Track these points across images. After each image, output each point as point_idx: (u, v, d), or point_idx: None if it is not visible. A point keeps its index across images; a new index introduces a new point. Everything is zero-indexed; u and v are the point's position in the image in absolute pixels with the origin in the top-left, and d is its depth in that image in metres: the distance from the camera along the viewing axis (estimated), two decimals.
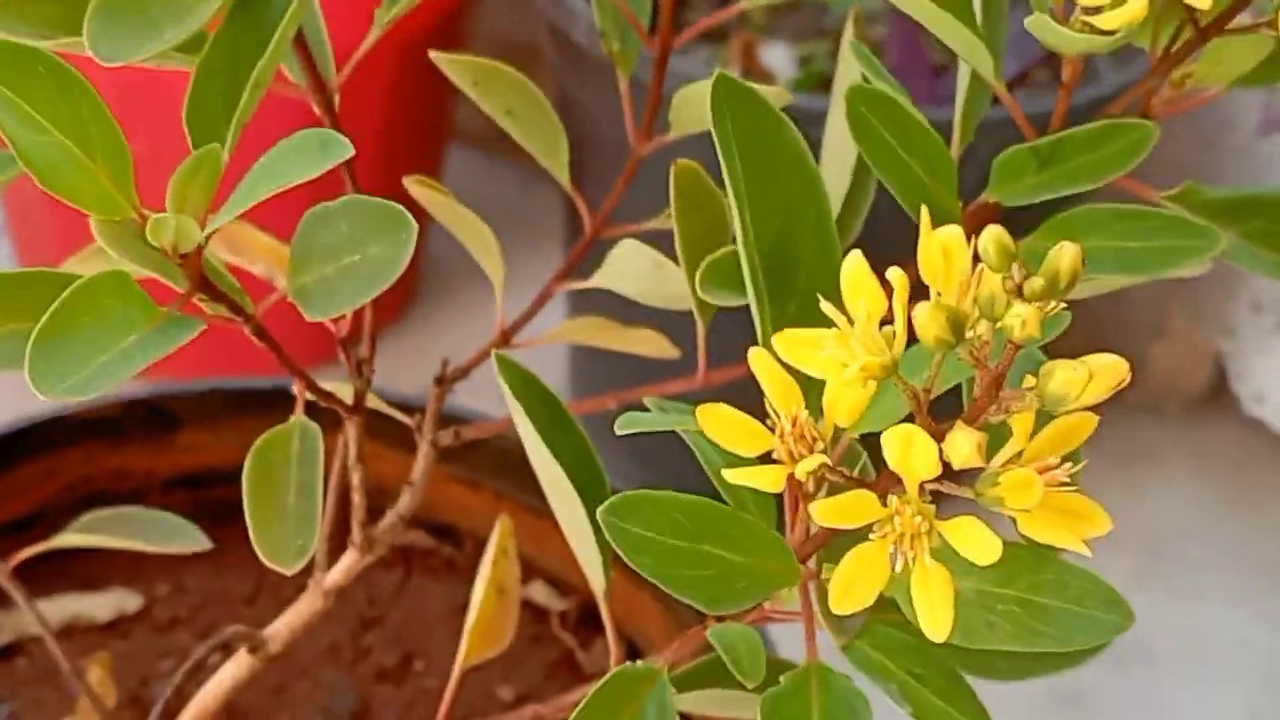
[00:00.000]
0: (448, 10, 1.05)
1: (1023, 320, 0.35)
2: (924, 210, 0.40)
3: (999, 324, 0.36)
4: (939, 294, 0.39)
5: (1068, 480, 0.39)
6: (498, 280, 0.55)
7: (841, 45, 0.50)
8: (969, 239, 0.47)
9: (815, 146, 0.89)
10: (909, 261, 0.47)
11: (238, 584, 0.78)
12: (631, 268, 0.53)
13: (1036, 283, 0.35)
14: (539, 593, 0.76)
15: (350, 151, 0.41)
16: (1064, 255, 0.36)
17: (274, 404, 0.57)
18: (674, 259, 0.53)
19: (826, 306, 0.38)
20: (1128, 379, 0.37)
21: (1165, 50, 0.45)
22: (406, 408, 0.57)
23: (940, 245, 0.39)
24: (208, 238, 0.43)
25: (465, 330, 1.24)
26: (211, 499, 0.76)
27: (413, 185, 0.54)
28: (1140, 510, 1.14)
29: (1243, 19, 0.44)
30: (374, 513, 0.57)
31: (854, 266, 0.38)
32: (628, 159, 0.56)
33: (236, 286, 0.47)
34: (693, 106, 0.53)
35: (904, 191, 0.46)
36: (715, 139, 0.44)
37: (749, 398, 0.42)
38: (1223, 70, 0.46)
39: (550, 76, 1.02)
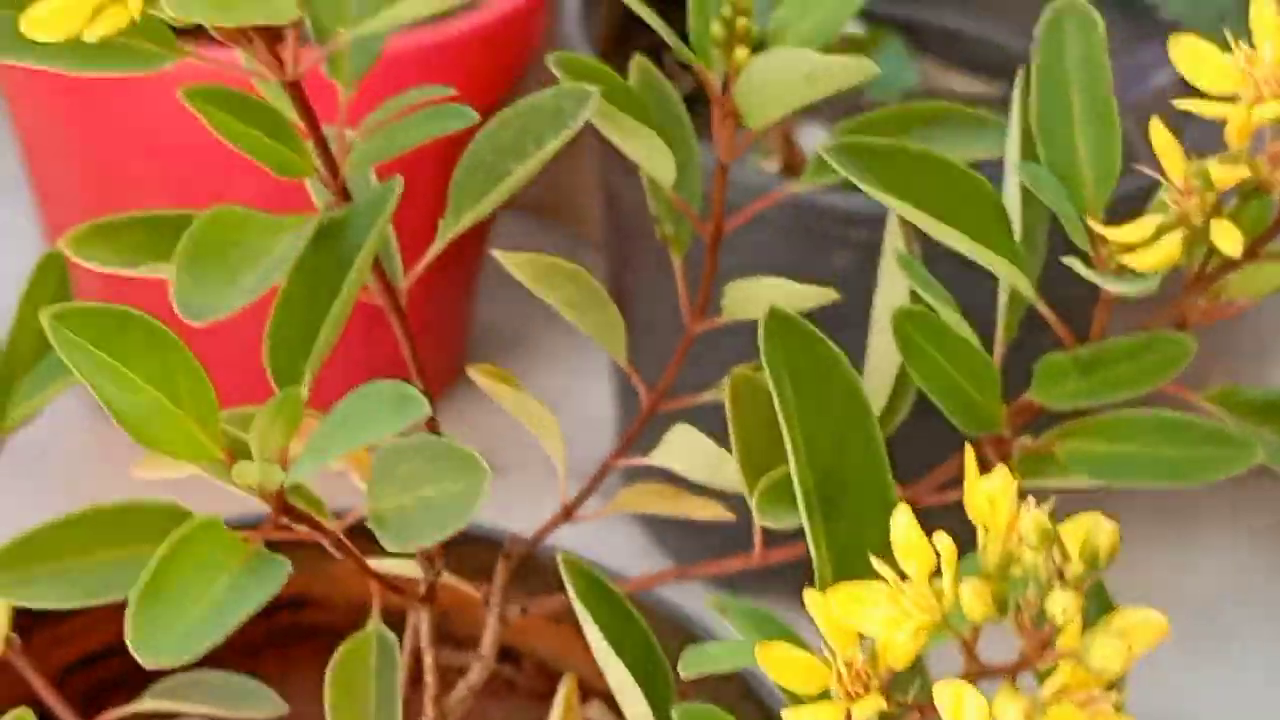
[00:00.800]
0: None
1: (1063, 609, 0.37)
2: (969, 453, 0.42)
3: (1043, 606, 0.38)
4: (985, 531, 0.42)
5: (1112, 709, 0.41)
6: (560, 460, 0.58)
7: (884, 248, 0.52)
8: (1014, 435, 0.49)
9: (852, 246, 0.92)
10: (947, 443, 0.49)
11: None
12: (687, 451, 0.55)
13: (1077, 569, 0.37)
14: (596, 711, 0.78)
15: (427, 413, 0.43)
16: (1102, 536, 0.38)
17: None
18: (723, 437, 0.56)
19: (880, 566, 0.40)
20: (1168, 635, 0.39)
21: (1200, 269, 0.47)
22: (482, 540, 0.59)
23: (987, 495, 0.41)
24: (288, 480, 0.46)
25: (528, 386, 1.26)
26: (279, 625, 0.79)
27: (478, 375, 0.57)
28: (1190, 576, 1.15)
29: (1276, 244, 0.46)
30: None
31: (905, 529, 0.40)
32: (678, 328, 0.59)
33: (317, 501, 0.49)
34: (743, 296, 0.55)
35: (951, 404, 0.48)
36: (767, 368, 0.46)
37: (803, 575, 0.44)
38: (1258, 284, 0.47)
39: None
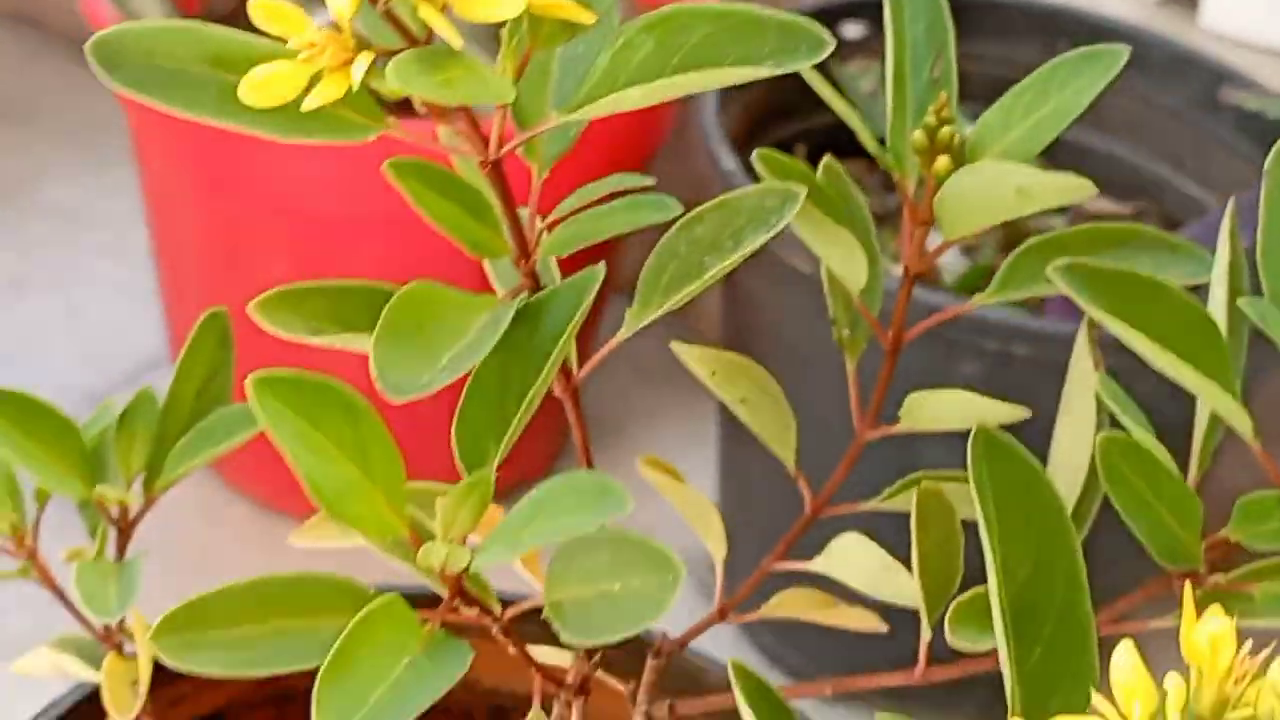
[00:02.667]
0: None
1: None
2: (1188, 592, 0.40)
3: None
4: (1199, 672, 0.40)
5: None
6: (719, 559, 0.57)
7: (1071, 366, 0.51)
8: (1209, 572, 0.47)
9: (983, 355, 0.91)
10: (1124, 562, 0.48)
11: None
12: (855, 560, 0.54)
13: None
14: None
15: (628, 507, 0.42)
16: None
17: None
18: (884, 543, 0.55)
19: (1100, 702, 0.39)
20: None
21: None
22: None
23: (1210, 638, 0.40)
24: (475, 565, 0.45)
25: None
26: None
27: (644, 467, 0.56)
28: None
29: None
30: None
31: (1129, 666, 0.39)
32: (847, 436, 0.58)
33: (488, 587, 0.48)
34: (924, 407, 0.54)
35: (1153, 537, 0.47)
36: (973, 487, 0.45)
37: (969, 696, 0.43)
38: None
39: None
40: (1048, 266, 0.45)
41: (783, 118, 1.09)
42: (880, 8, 0.55)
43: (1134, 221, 1.13)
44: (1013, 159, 0.52)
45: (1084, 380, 0.52)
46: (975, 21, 1.11)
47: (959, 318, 0.90)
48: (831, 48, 0.44)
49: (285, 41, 0.45)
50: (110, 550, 0.60)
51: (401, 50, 0.45)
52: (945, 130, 0.52)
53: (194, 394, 0.60)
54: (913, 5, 0.55)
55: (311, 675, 0.81)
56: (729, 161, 0.97)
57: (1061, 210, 1.12)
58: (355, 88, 0.45)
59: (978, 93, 0.78)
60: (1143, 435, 0.47)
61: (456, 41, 0.44)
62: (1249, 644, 0.41)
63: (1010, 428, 0.54)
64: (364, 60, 0.44)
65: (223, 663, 0.46)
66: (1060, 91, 0.53)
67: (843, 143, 0.89)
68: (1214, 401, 0.45)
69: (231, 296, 0.64)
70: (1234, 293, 0.49)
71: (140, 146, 1.12)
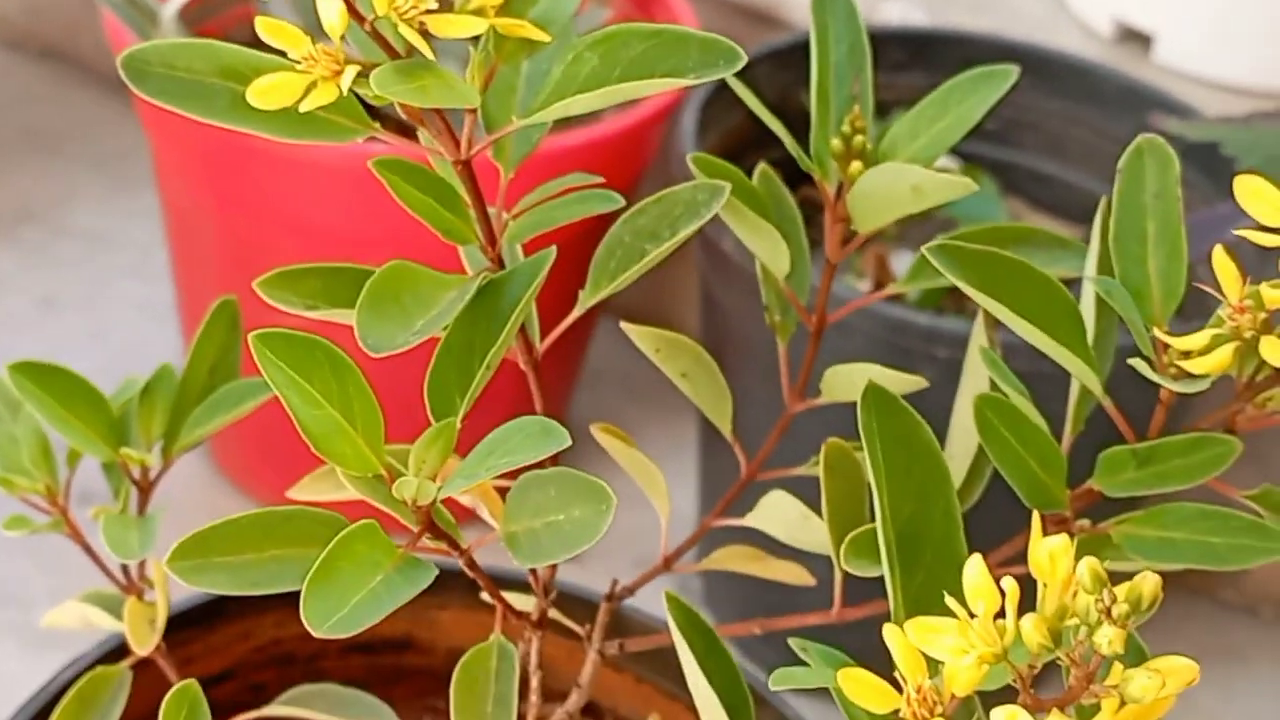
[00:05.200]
0: None
1: (1109, 640, 0.43)
2: (1035, 517, 0.48)
3: (1092, 639, 0.44)
4: (1044, 585, 0.48)
5: None
6: (664, 515, 0.64)
7: (970, 347, 0.59)
8: (1075, 518, 0.55)
9: (935, 362, 0.99)
10: (1014, 523, 0.55)
11: None
12: (781, 515, 0.62)
13: (1123, 608, 0.43)
14: None
15: (568, 443, 0.50)
16: (1146, 584, 0.44)
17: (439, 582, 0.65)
18: (815, 507, 0.62)
19: (951, 602, 0.46)
20: (1197, 679, 0.45)
21: (1249, 379, 0.54)
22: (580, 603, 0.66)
23: (1049, 552, 0.47)
24: (441, 493, 0.53)
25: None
26: (382, 664, 0.85)
27: (598, 431, 0.63)
28: (1228, 709, 1.20)
29: None
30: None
31: (976, 573, 0.47)
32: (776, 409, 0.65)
33: (454, 524, 0.56)
34: (841, 380, 0.62)
35: (1021, 482, 0.54)
36: (862, 433, 0.53)
37: (872, 630, 0.50)
38: None
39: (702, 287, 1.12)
40: (922, 248, 0.53)
41: (759, 146, 1.18)
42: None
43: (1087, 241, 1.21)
44: (918, 163, 0.60)
45: (980, 357, 0.59)
46: (940, 54, 1.19)
47: (912, 328, 0.99)
48: (744, 62, 0.52)
49: (286, 55, 0.53)
50: (132, 507, 0.68)
51: (384, 63, 0.53)
52: (858, 139, 0.60)
53: (207, 370, 0.68)
54: (836, 30, 0.63)
55: (310, 641, 0.89)
56: None
57: None
58: (344, 94, 0.53)
59: None
60: (1017, 397, 0.55)
61: (429, 54, 0.52)
62: None
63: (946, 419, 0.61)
64: (351, 71, 0.52)
65: (226, 583, 0.53)
66: (958, 106, 0.61)
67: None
68: (1065, 362, 0.53)
69: (243, 307, 0.72)
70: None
71: (161, 169, 1.20)
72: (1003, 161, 1.21)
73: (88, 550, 0.69)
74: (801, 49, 1.18)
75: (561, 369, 1.22)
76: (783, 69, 1.15)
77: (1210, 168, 1.13)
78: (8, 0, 1.62)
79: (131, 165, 1.51)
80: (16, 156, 1.53)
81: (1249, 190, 0.53)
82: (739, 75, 0.53)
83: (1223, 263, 0.53)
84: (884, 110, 1.10)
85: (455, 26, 0.52)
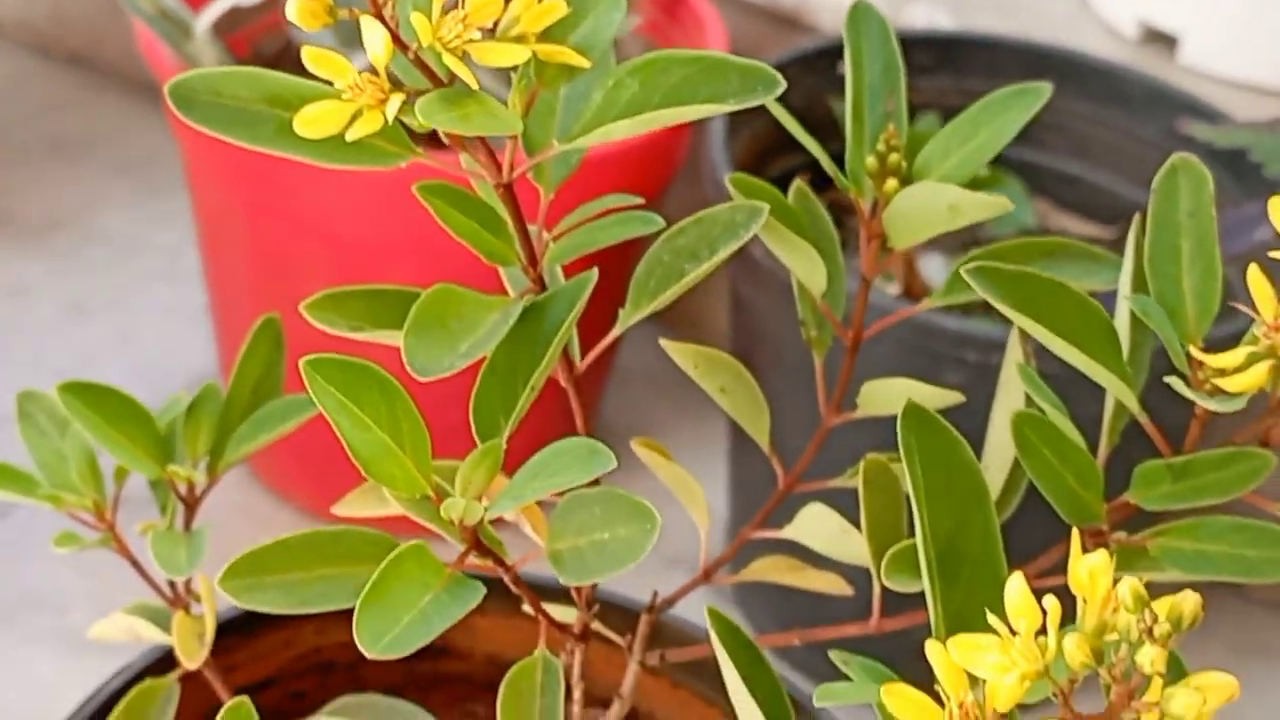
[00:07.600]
0: None
1: (1151, 659, 0.44)
2: (1075, 535, 0.49)
3: (1134, 657, 0.45)
4: (1084, 601, 0.49)
5: None
6: (704, 527, 0.65)
7: (1005, 361, 0.60)
8: (1111, 530, 0.56)
9: (964, 366, 1.00)
10: (1050, 531, 0.56)
11: None
12: (820, 527, 0.63)
13: (1164, 628, 0.44)
14: None
15: (613, 464, 0.51)
16: (1186, 604, 0.45)
17: None
18: (849, 516, 0.63)
19: (993, 620, 0.47)
20: (1238, 695, 0.46)
21: None
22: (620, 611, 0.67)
23: (1089, 569, 0.48)
24: (488, 514, 0.53)
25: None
26: (420, 670, 0.86)
27: (638, 447, 0.64)
28: (1257, 705, 1.21)
29: None
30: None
31: (1018, 592, 0.47)
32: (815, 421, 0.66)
33: (499, 543, 0.57)
34: (878, 394, 0.63)
35: (1060, 499, 0.55)
36: (901, 451, 0.54)
37: (913, 641, 0.51)
38: None
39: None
40: (962, 268, 0.54)
41: (786, 151, 1.18)
42: None
43: (1115, 243, 1.21)
44: (951, 181, 0.61)
45: (1015, 372, 0.60)
46: (966, 57, 1.20)
47: (942, 332, 0.99)
48: (783, 88, 0.53)
49: (331, 83, 0.54)
50: (179, 523, 0.69)
51: (428, 90, 0.54)
52: (894, 157, 0.61)
53: (251, 388, 0.69)
54: (870, 51, 0.64)
55: (350, 649, 0.90)
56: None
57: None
58: (389, 122, 0.54)
59: None
60: (1054, 413, 0.56)
61: (473, 83, 0.53)
62: None
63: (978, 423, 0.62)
64: (396, 99, 0.53)
65: (277, 602, 0.55)
66: (991, 123, 0.61)
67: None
68: (1102, 379, 0.54)
69: (278, 311, 0.73)
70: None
71: (194, 177, 1.21)
72: (1029, 163, 1.21)
73: (135, 565, 0.70)
74: (828, 54, 1.19)
75: (595, 377, 1.23)
76: (810, 73, 1.16)
77: (1236, 169, 1.14)
78: (34, 8, 1.63)
79: (158, 170, 1.52)
80: (44, 163, 1.54)
81: None
82: None
83: (1258, 281, 0.54)
84: (911, 113, 1.11)
85: (498, 55, 0.53)
